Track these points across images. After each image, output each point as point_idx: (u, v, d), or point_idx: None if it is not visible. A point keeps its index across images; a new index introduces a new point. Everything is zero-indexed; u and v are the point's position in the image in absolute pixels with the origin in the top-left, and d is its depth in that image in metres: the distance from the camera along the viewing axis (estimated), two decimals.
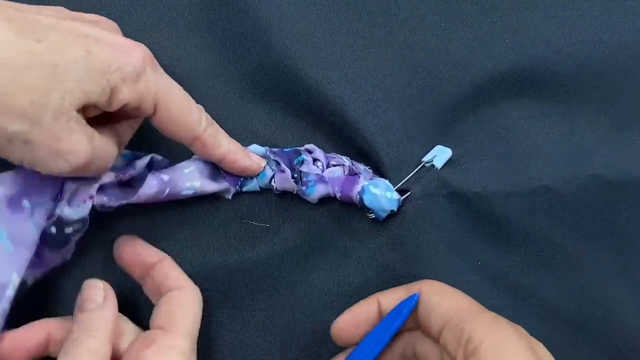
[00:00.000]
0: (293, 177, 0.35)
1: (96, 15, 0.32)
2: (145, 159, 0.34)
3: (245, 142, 0.36)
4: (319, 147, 0.36)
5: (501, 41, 0.38)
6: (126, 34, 0.37)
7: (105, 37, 0.27)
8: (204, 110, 0.33)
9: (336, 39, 0.37)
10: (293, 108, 0.37)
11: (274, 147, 0.36)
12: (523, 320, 0.35)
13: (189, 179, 0.34)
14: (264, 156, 0.36)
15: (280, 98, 0.37)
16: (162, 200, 0.33)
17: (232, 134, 0.36)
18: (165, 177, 0.33)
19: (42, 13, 0.27)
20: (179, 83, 0.36)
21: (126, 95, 0.28)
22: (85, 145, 0.27)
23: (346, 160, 0.35)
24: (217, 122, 0.35)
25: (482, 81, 0.37)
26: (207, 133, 0.32)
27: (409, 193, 0.35)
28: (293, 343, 0.36)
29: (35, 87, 0.25)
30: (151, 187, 0.32)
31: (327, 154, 0.36)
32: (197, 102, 0.36)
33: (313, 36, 0.36)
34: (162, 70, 0.30)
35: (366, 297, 0.35)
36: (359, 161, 0.36)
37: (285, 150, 0.36)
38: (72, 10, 0.36)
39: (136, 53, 0.28)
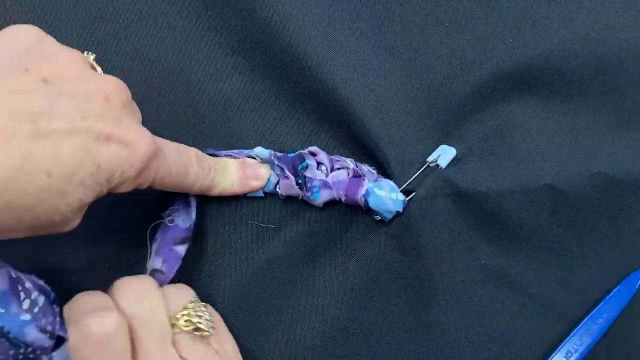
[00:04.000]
0: (297, 183, 0.35)
1: (114, 81, 0.27)
2: None
3: (250, 143, 0.36)
4: (323, 147, 0.36)
5: (505, 40, 0.38)
6: (134, 39, 0.37)
7: (117, 132, 0.25)
8: (200, 157, 0.32)
9: (341, 40, 0.37)
10: (299, 109, 0.37)
11: (280, 148, 0.36)
12: (526, 318, 0.35)
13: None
14: (269, 160, 0.35)
15: (286, 99, 0.37)
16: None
17: (238, 135, 0.37)
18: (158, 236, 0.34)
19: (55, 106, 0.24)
20: (186, 85, 0.37)
21: (123, 189, 0.27)
22: None
23: (350, 163, 0.35)
24: (223, 123, 0.36)
25: (486, 80, 0.37)
26: (204, 185, 0.33)
27: (413, 194, 0.35)
28: (300, 342, 0.36)
29: (35, 211, 0.23)
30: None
31: (331, 156, 0.36)
32: (202, 103, 0.37)
33: (318, 37, 0.36)
34: (162, 147, 0.29)
35: (371, 296, 0.36)
36: (364, 161, 0.36)
37: (289, 155, 0.35)
38: (83, 15, 0.37)
39: (142, 149, 0.26)
